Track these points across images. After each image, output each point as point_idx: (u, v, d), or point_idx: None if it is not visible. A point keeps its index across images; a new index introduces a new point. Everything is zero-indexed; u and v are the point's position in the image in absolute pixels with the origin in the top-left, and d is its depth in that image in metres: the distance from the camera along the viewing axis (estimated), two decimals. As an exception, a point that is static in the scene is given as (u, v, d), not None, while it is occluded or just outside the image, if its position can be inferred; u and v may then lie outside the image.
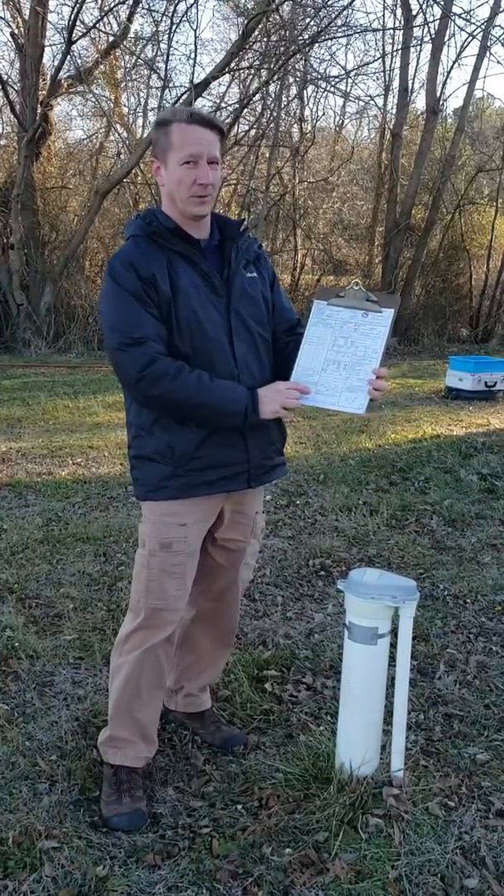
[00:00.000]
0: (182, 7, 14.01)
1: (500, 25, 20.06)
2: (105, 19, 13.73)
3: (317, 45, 14.34)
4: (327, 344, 2.23)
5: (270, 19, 13.13)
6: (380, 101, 17.85)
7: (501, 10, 15.02)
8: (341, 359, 2.21)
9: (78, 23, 12.57)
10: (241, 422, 2.19)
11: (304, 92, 16.66)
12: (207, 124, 2.16)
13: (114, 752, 2.41)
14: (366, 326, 2.22)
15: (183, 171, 2.15)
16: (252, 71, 14.50)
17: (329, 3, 13.20)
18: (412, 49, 15.68)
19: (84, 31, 13.20)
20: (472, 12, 23.62)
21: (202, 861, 2.16)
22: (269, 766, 2.56)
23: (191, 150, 2.13)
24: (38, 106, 13.03)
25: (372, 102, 18.23)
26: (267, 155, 15.54)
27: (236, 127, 14.08)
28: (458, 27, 19.24)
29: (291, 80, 15.48)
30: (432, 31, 15.38)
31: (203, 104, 13.69)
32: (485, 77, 31.73)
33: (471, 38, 15.82)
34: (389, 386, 9.89)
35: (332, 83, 16.16)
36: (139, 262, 2.15)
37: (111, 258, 2.22)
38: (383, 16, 22.56)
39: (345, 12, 13.71)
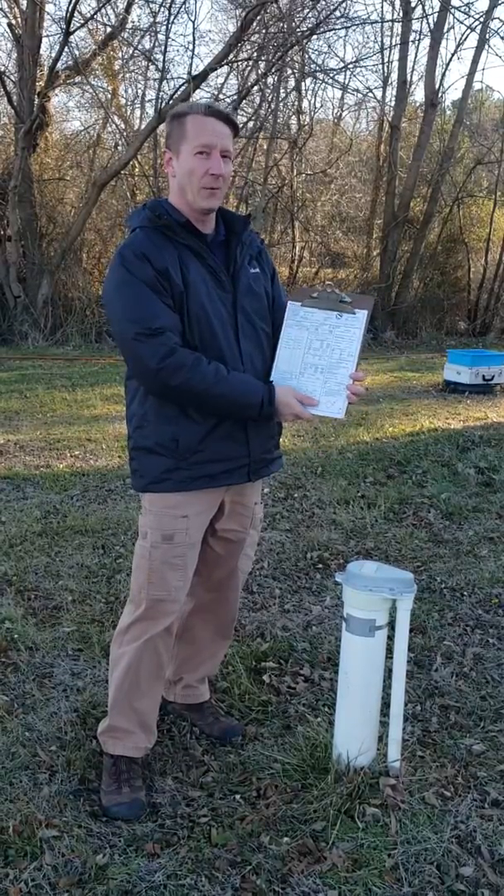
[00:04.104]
0: (180, -2, 13.97)
1: (498, 18, 19.94)
2: (103, 10, 13.67)
3: (315, 36, 14.31)
4: (303, 347, 2.25)
5: (268, 11, 13.07)
6: (378, 94, 17.83)
7: (500, 2, 15.03)
8: (318, 362, 2.24)
9: (76, 13, 12.51)
10: (255, 414, 2.22)
11: (303, 84, 16.62)
12: (223, 118, 2.19)
13: (113, 743, 2.43)
14: (340, 329, 2.23)
15: (196, 161, 2.16)
16: (250, 63, 14.45)
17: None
18: (411, 42, 15.63)
19: (82, 21, 13.14)
20: (470, 5, 23.53)
21: (201, 850, 2.18)
22: (267, 757, 2.58)
23: (205, 139, 2.15)
24: (36, 97, 12.97)
25: (370, 95, 18.18)
26: (265, 147, 15.50)
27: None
28: (457, 20, 19.23)
29: (290, 71, 15.43)
30: (431, 24, 15.35)
31: (201, 96, 13.65)
32: (483, 69, 31.70)
33: (469, 30, 15.89)
34: (367, 387, 9.89)
35: (331, 75, 16.14)
36: (152, 254, 2.15)
37: (121, 248, 2.20)
38: (381, 8, 22.49)
39: (343, 4, 13.68)
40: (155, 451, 2.27)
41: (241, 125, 14.79)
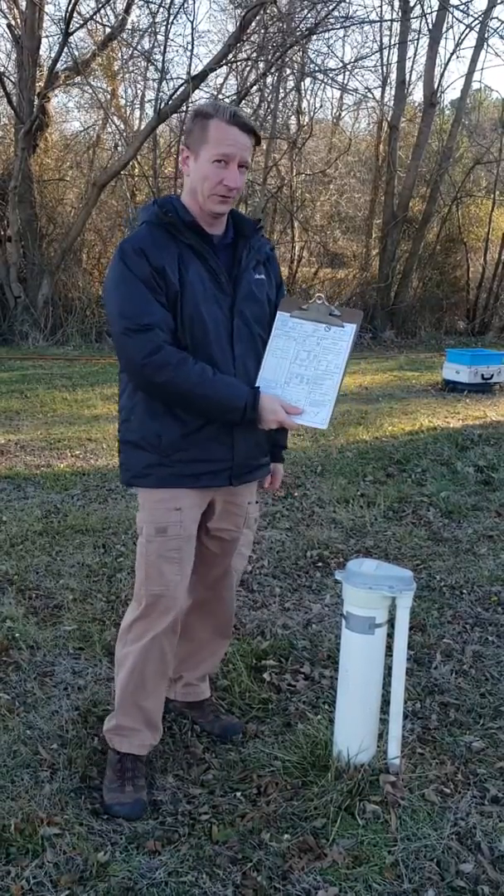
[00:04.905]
0: (179, -2, 13.97)
1: (497, 18, 20.05)
2: (102, 11, 13.67)
3: (314, 37, 14.30)
4: (290, 357, 2.26)
5: (268, 11, 13.08)
6: (377, 94, 17.81)
7: (499, 2, 14.99)
8: (304, 373, 2.25)
9: (75, 14, 12.51)
10: (238, 418, 2.22)
11: (302, 84, 16.60)
12: (247, 128, 2.18)
13: (119, 740, 2.44)
14: (328, 341, 2.24)
15: (212, 169, 2.16)
16: (249, 63, 14.45)
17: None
18: (409, 41, 15.63)
19: (81, 22, 13.14)
20: (469, 4, 23.55)
21: (202, 847, 2.19)
22: (267, 755, 2.59)
23: (225, 149, 2.15)
24: (35, 98, 12.98)
25: (369, 94, 18.15)
26: (264, 147, 15.49)
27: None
28: (456, 19, 19.18)
29: (289, 72, 15.43)
30: (430, 23, 15.37)
31: (200, 96, 13.65)
32: (482, 69, 31.53)
33: (468, 30, 15.87)
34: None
35: (330, 75, 16.11)
36: (151, 251, 2.16)
37: (122, 242, 2.22)
38: (381, 7, 22.49)
39: (342, 4, 13.66)
40: (140, 445, 2.29)
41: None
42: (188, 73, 13.08)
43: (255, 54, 14.05)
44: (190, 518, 2.35)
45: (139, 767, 2.43)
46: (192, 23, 23.09)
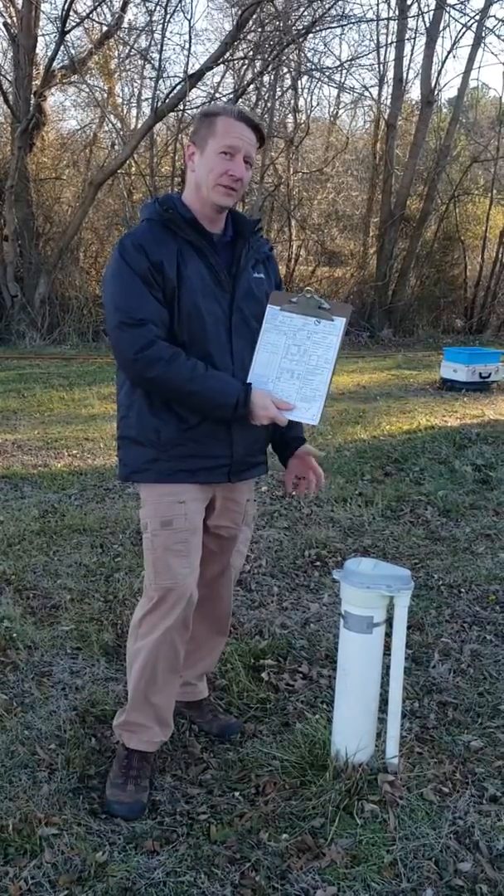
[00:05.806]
0: (176, -3, 13.94)
1: (494, 16, 20.03)
2: (99, 9, 13.67)
3: (311, 35, 14.30)
4: (280, 352, 2.26)
5: (265, 9, 13.07)
6: (374, 92, 17.81)
7: (496, 0, 15.00)
8: (294, 368, 2.25)
9: (71, 13, 12.50)
10: (229, 414, 2.23)
11: (299, 82, 16.61)
12: (253, 126, 2.23)
13: (129, 736, 2.44)
14: (318, 335, 2.24)
15: (218, 160, 2.19)
16: (246, 61, 14.44)
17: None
18: (407, 40, 15.64)
19: (78, 20, 13.14)
20: (466, 3, 23.59)
21: (200, 847, 2.19)
22: (265, 754, 2.59)
23: (231, 141, 2.18)
24: (32, 96, 12.97)
25: (366, 93, 18.15)
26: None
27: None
28: (453, 18, 19.18)
29: (286, 70, 15.43)
30: (427, 22, 15.38)
31: (197, 95, 13.67)
32: (479, 67, 31.74)
33: (465, 28, 15.84)
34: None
35: (327, 74, 16.11)
36: (150, 246, 2.18)
37: (123, 238, 2.24)
38: (377, 6, 22.47)
39: (339, 2, 13.67)
40: (138, 441, 2.30)
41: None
42: (185, 71, 13.08)
43: (251, 53, 14.04)
44: (194, 510, 2.35)
45: (145, 767, 2.43)
46: (189, 21, 23.10)
